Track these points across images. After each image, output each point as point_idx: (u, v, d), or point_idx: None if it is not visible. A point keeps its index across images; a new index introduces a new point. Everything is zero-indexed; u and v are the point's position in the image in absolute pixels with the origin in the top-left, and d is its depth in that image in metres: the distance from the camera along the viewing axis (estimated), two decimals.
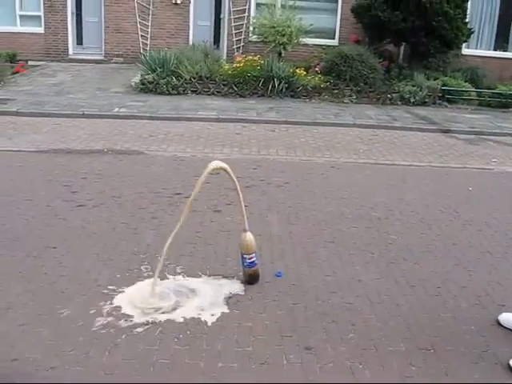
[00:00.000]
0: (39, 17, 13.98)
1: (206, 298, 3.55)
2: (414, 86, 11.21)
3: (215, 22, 14.44)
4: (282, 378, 2.84)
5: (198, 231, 4.57)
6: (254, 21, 12.57)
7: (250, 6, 14.07)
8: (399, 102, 11.12)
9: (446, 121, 10.01)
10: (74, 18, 14.19)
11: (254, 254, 3.71)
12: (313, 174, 6.53)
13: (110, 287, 3.63)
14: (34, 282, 3.65)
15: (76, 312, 3.31)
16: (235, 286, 3.71)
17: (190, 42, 13.68)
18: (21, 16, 14.01)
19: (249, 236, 3.70)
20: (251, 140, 8.11)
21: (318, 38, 13.25)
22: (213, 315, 3.35)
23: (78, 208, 5.04)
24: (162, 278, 3.70)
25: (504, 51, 14.10)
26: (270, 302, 3.54)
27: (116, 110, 9.35)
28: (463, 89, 11.58)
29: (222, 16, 14.27)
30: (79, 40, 14.39)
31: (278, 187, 5.92)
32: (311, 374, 2.86)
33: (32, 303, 3.40)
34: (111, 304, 3.43)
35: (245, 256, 3.70)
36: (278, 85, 10.81)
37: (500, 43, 14.18)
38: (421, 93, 11.13)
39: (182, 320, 3.29)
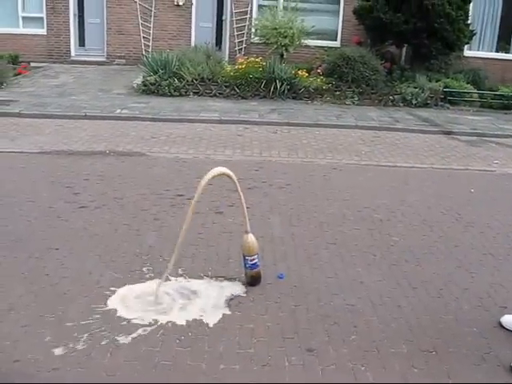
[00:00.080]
0: (41, 18, 13.98)
1: (207, 299, 3.55)
2: (415, 87, 11.21)
3: (217, 24, 14.45)
4: (284, 379, 2.84)
5: (200, 233, 4.58)
6: (256, 22, 12.58)
7: (251, 7, 14.05)
8: (401, 104, 11.11)
9: (447, 122, 10.00)
10: (76, 20, 14.20)
11: (255, 256, 3.71)
12: (315, 175, 6.53)
13: (111, 288, 3.64)
14: (36, 283, 3.66)
15: (78, 313, 3.31)
16: (237, 288, 3.71)
17: (192, 44, 13.68)
18: (23, 17, 14.02)
19: (251, 238, 3.70)
20: (253, 142, 8.12)
21: (320, 39, 13.22)
22: (215, 317, 3.35)
23: (80, 209, 5.05)
24: (165, 279, 3.69)
25: (506, 53, 14.06)
26: (271, 304, 3.54)
27: (118, 111, 9.36)
28: (465, 90, 11.59)
29: (224, 17, 14.30)
30: (81, 41, 14.39)
31: (280, 189, 5.93)
32: (313, 376, 2.86)
33: (34, 304, 3.40)
34: (113, 305, 3.43)
35: (247, 258, 3.71)
36: (280, 86, 10.81)
37: (502, 45, 14.15)
38: (423, 94, 11.12)
39: (183, 322, 3.29)
